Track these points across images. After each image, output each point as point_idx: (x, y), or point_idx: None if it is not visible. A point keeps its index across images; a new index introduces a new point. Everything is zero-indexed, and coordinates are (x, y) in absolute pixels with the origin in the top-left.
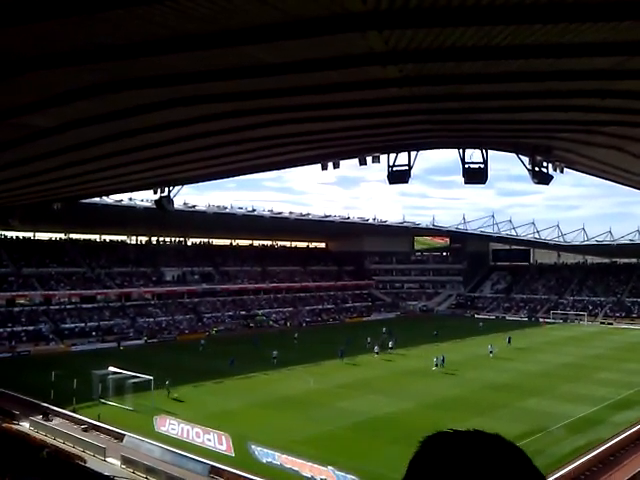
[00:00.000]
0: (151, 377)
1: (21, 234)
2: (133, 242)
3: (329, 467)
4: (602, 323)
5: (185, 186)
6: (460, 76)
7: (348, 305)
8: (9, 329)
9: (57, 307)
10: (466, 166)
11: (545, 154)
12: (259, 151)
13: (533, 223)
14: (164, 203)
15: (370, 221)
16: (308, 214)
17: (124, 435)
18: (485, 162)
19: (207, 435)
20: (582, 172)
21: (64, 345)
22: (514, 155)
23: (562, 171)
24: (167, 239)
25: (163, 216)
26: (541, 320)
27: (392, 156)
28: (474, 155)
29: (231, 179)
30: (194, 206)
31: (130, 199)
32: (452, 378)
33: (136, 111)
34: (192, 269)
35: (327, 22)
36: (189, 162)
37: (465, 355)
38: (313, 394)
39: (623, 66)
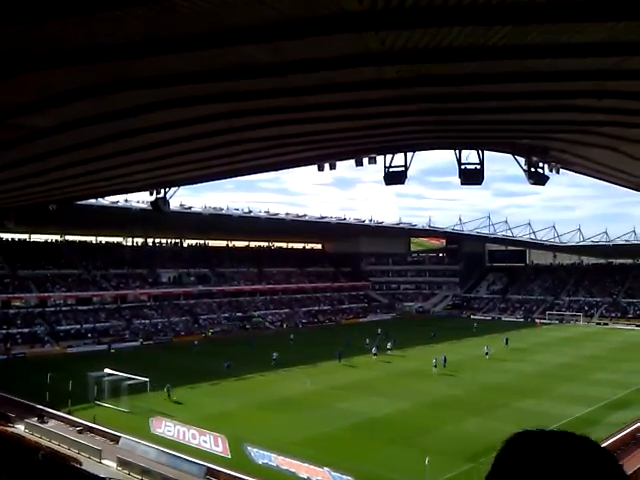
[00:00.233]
0: (147, 379)
1: (17, 236)
2: (129, 244)
3: (325, 468)
4: (598, 324)
5: (181, 187)
6: (456, 77)
7: (344, 306)
8: (4, 331)
9: (53, 309)
10: (462, 167)
11: (541, 155)
12: (256, 152)
13: (529, 224)
14: (160, 204)
15: (366, 222)
16: (304, 215)
17: (120, 437)
18: (481, 163)
19: (203, 437)
20: (578, 173)
21: (60, 347)
22: (510, 156)
23: (558, 172)
24: (163, 240)
25: (159, 217)
26: (537, 321)
27: (388, 157)
28: (470, 156)
29: (227, 180)
30: (190, 207)
31: (126, 200)
32: (449, 379)
33: (134, 111)
34: (188, 270)
35: (324, 22)
36: (187, 163)
37: (462, 356)
38: (310, 395)
39: (620, 66)
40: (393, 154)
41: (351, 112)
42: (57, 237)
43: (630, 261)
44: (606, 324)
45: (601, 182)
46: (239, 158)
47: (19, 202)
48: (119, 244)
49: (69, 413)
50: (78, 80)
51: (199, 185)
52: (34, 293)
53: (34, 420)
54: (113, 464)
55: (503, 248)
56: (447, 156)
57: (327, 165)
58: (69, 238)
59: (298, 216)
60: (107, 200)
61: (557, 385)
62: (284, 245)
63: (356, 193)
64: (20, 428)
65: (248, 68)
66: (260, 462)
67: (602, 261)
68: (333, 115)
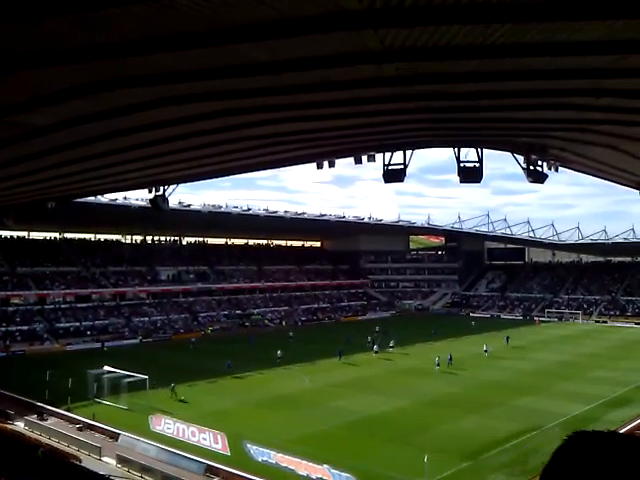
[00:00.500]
0: (146, 376)
1: (15, 233)
2: (128, 241)
3: (325, 465)
4: (597, 321)
5: (180, 185)
6: (455, 75)
7: (343, 304)
8: (3, 329)
9: (52, 306)
10: (461, 165)
11: (540, 153)
12: (254, 150)
13: (528, 222)
14: (159, 202)
15: (365, 220)
16: (303, 213)
17: (119, 434)
18: (480, 161)
19: (203, 434)
20: (577, 171)
21: (59, 344)
22: (509, 154)
23: (557, 170)
24: (162, 238)
25: (158, 215)
26: (536, 319)
27: (387, 155)
28: (469, 154)
29: (226, 178)
30: (189, 205)
31: (125, 198)
32: (448, 377)
33: (131, 109)
34: (187, 268)
35: (323, 20)
36: (184, 161)
37: (461, 354)
38: (308, 393)
39: (618, 64)
40: (392, 152)
41: (348, 110)
42: (56, 235)
43: (629, 259)
44: (605, 322)
45: (600, 180)
46: (235, 156)
47: (17, 200)
48: (118, 242)
49: (69, 410)
50: (74, 78)
51: (198, 183)
52: (33, 290)
53: (34, 417)
54: (113, 461)
55: (502, 246)
56: (446, 154)
57: (326, 163)
58: (68, 236)
59: (297, 214)
60: (106, 198)
61: (556, 383)
62: (283, 243)
63: (355, 191)
64: (20, 425)
65: (245, 66)
66: (260, 459)
67: (601, 259)
68: (330, 113)
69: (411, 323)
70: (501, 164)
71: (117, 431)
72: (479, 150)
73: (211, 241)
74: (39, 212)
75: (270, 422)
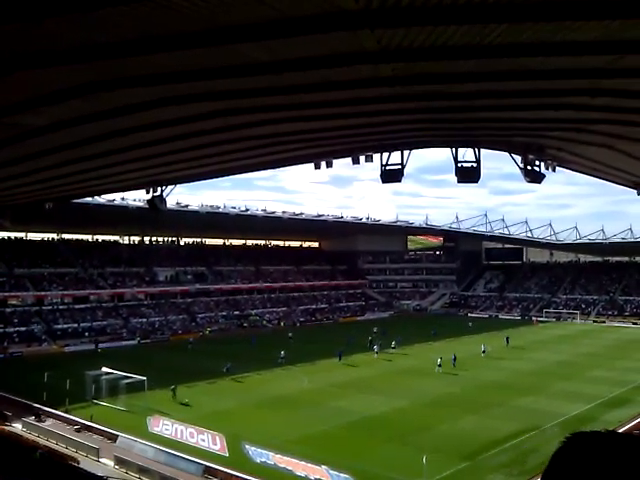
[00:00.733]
0: (144, 377)
1: (13, 234)
2: (126, 242)
3: (323, 466)
4: (595, 321)
5: (178, 185)
6: (452, 75)
7: (342, 304)
8: (1, 330)
9: (49, 308)
10: (459, 165)
11: (537, 153)
12: (254, 150)
13: (526, 222)
14: (157, 203)
15: (363, 220)
16: (301, 213)
17: (117, 435)
18: (478, 161)
19: (201, 435)
20: (574, 171)
21: (57, 346)
22: (507, 154)
23: (554, 170)
24: (160, 239)
25: (156, 216)
26: (534, 319)
27: (385, 155)
28: (467, 154)
29: (225, 178)
30: (187, 206)
31: (122, 199)
32: (447, 377)
33: (130, 109)
34: (185, 269)
35: (320, 20)
36: (184, 161)
37: (459, 354)
38: (308, 393)
39: (614, 65)
40: (390, 152)
41: (347, 110)
42: (54, 235)
43: (626, 259)
44: (603, 322)
45: (597, 180)
46: (235, 156)
47: (14, 200)
48: (116, 242)
49: (66, 412)
50: (73, 78)
51: (196, 183)
52: (31, 292)
53: (31, 419)
54: (111, 463)
55: (500, 246)
56: (443, 154)
57: (324, 163)
58: (65, 236)
59: (295, 214)
60: (103, 198)
61: (554, 383)
62: (281, 243)
63: (353, 191)
64: (18, 427)
65: (245, 66)
66: (258, 460)
67: (599, 259)
68: (329, 113)
69: (409, 323)
70: (499, 164)
71: (115, 432)
72: (476, 150)
73: (209, 242)
74: (36, 213)
75: (269, 423)
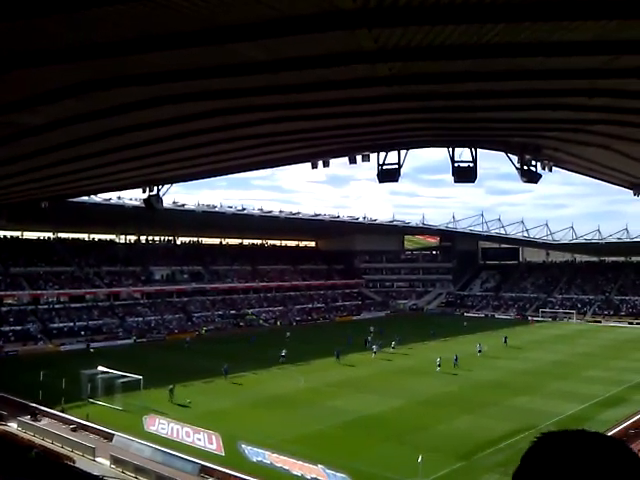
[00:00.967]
0: (140, 377)
1: (9, 233)
2: (122, 241)
3: (319, 465)
4: (590, 321)
5: (174, 185)
6: (450, 74)
7: (338, 304)
8: None
9: (45, 307)
10: (456, 165)
11: (534, 153)
12: (251, 149)
13: (522, 222)
14: (153, 202)
15: (360, 220)
16: (298, 213)
17: (113, 435)
18: (474, 161)
19: (197, 434)
20: (571, 171)
21: (52, 345)
22: (503, 154)
23: (551, 170)
24: (156, 238)
25: (152, 215)
26: (530, 318)
27: (382, 154)
28: (463, 154)
29: (221, 177)
30: (183, 205)
31: (119, 198)
32: (444, 376)
33: (126, 108)
34: (181, 268)
35: (318, 20)
36: (180, 160)
37: (455, 353)
38: (305, 393)
39: (611, 65)
40: (387, 152)
41: (344, 110)
42: (49, 234)
43: (622, 259)
44: (599, 322)
45: (593, 180)
46: (232, 155)
47: (10, 199)
48: (112, 242)
49: (62, 411)
50: (69, 77)
51: (192, 182)
52: (26, 291)
53: (27, 418)
54: (107, 462)
55: (496, 246)
56: (440, 154)
57: (321, 162)
58: (61, 235)
59: (291, 214)
60: (100, 197)
61: (550, 382)
62: (277, 243)
63: (350, 191)
64: (13, 426)
65: (242, 65)
66: (254, 460)
67: (595, 259)
68: (326, 113)
69: (406, 323)
70: (495, 164)
71: (111, 432)
72: (473, 150)
73: (205, 241)
74: (33, 212)
75: (266, 422)
